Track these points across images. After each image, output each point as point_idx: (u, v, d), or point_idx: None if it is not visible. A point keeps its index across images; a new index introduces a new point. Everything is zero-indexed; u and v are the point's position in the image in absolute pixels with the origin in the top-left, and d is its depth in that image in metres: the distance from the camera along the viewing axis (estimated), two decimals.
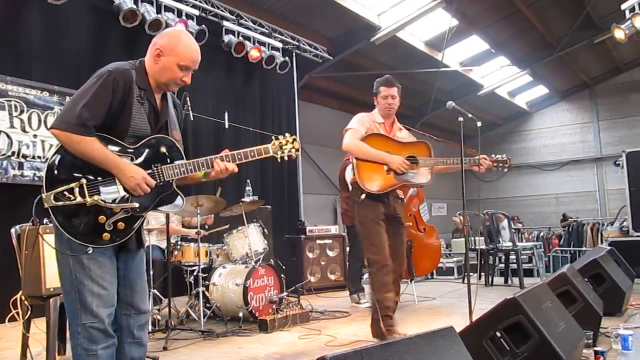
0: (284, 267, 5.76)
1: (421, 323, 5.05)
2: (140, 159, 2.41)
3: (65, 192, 2.24)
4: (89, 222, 2.29)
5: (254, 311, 5.12)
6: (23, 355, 4.01)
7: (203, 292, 5.20)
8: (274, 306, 5.23)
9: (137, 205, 2.36)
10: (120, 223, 2.34)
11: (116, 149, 2.36)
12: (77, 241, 2.27)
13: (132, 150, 2.40)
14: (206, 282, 5.40)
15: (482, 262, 7.51)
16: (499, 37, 12.64)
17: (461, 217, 13.05)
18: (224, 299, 5.28)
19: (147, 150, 2.43)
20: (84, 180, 2.27)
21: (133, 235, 2.43)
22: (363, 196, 4.11)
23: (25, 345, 4.02)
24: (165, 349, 4.25)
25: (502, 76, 15.14)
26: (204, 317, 5.07)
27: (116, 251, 2.43)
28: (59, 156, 2.29)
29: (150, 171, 2.42)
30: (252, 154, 2.61)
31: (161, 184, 2.45)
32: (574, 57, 15.02)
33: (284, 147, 2.71)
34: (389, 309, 4.09)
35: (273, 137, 2.72)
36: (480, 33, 12.17)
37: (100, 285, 2.32)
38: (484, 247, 7.65)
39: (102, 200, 2.30)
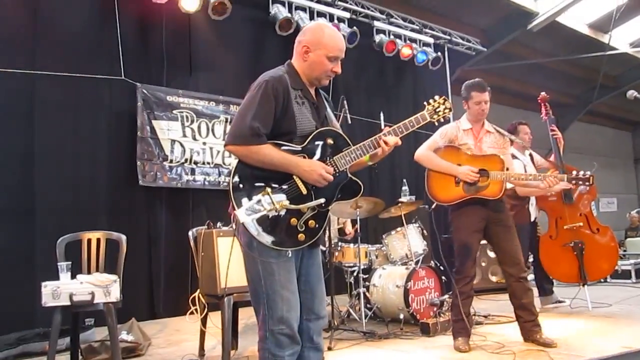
0: (442, 268, 5.62)
1: (598, 332, 4.64)
2: (313, 156, 2.45)
3: (254, 205, 2.31)
4: (283, 227, 2.35)
5: (415, 313, 5.05)
6: (201, 348, 4.35)
7: (364, 293, 5.24)
8: (435, 309, 5.09)
9: (323, 200, 2.41)
10: (310, 221, 2.39)
11: (288, 151, 2.41)
12: (277, 247, 2.33)
13: (301, 149, 2.43)
14: (366, 282, 5.44)
15: None
16: None
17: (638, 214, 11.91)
18: (384, 301, 5.27)
19: (315, 146, 2.46)
20: (268, 189, 2.34)
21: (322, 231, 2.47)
22: (434, 205, 4.29)
23: (202, 339, 4.36)
24: (329, 349, 4.31)
25: None
26: (365, 318, 5.10)
27: (299, 254, 2.48)
28: (239, 173, 2.37)
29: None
30: (412, 124, 2.62)
31: (337, 174, 2.46)
32: None
33: (438, 110, 2.71)
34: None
35: (425, 103, 2.72)
36: None
37: (290, 291, 2.36)
38: None
39: (289, 203, 2.36)
